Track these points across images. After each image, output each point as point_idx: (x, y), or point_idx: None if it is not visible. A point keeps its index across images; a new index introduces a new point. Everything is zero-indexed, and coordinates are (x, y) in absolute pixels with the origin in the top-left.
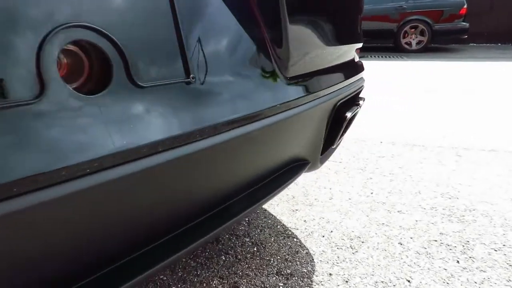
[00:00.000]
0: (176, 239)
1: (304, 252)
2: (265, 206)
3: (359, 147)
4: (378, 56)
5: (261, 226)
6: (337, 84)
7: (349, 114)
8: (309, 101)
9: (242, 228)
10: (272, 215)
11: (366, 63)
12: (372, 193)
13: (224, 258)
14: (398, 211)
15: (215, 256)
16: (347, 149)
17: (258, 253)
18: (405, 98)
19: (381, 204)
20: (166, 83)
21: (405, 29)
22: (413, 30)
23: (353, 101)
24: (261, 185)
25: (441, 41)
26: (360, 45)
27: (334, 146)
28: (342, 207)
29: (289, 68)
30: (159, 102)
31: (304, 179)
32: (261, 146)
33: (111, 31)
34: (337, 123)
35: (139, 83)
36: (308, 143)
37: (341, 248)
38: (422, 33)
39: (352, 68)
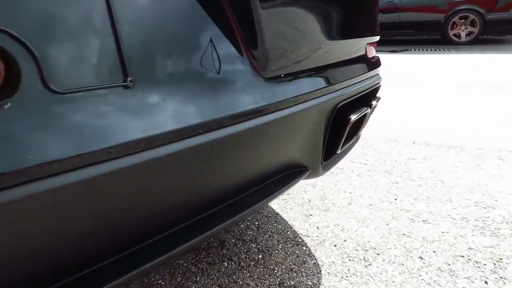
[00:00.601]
0: (161, 242)
1: (312, 262)
2: (278, 210)
3: (388, 148)
4: (423, 49)
5: (271, 231)
6: (336, 83)
7: (353, 117)
8: (297, 103)
9: (250, 233)
10: (284, 219)
11: (408, 56)
12: (396, 199)
13: (226, 265)
14: (423, 221)
15: (217, 262)
16: (374, 150)
17: (262, 261)
18: (446, 94)
19: (404, 212)
20: (93, 88)
21: (453, 19)
22: (462, 20)
23: (362, 101)
24: (250, 192)
25: (494, 32)
26: (375, 38)
27: (339, 152)
28: (361, 214)
29: (268, 68)
30: (85, 111)
31: (323, 181)
32: (239, 153)
33: (15, 29)
34: (340, 126)
35: (56, 89)
36: (304, 149)
37: (353, 260)
38: (472, 23)
39: (360, 66)
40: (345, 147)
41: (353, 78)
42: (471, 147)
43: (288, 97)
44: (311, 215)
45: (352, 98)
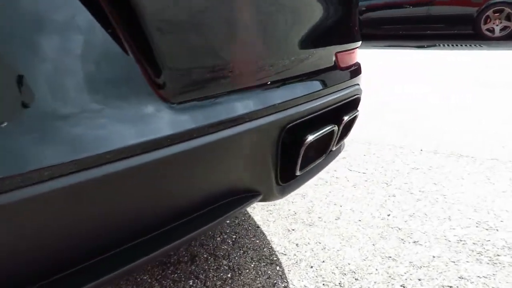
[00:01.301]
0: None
1: (282, 285)
2: (260, 222)
3: (392, 155)
4: (452, 45)
5: (247, 246)
6: (282, 102)
7: (311, 137)
8: (220, 129)
9: (225, 247)
10: (264, 234)
11: (435, 52)
12: (389, 215)
13: (191, 283)
14: (414, 242)
15: (183, 279)
16: (377, 157)
17: (230, 281)
18: (466, 93)
19: (396, 230)
20: None
21: (487, 13)
22: (497, 14)
23: (328, 118)
24: (186, 220)
25: None
26: (351, 45)
27: (300, 174)
28: (347, 231)
29: (176, 92)
30: None
31: (314, 191)
32: (154, 183)
33: None
34: (294, 148)
35: None
36: (248, 174)
37: (327, 285)
38: (508, 17)
39: (323, 78)
40: (309, 168)
41: (308, 94)
42: (483, 156)
43: (203, 124)
44: (293, 229)
45: (309, 116)
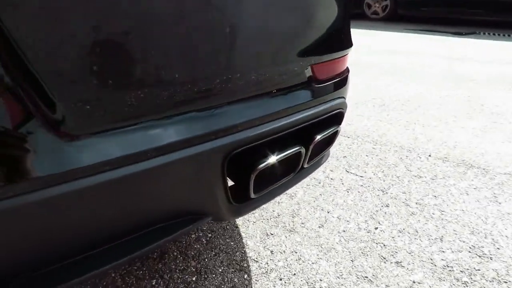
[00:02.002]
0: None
1: None
2: (239, 222)
3: (397, 159)
4: (494, 34)
5: (219, 248)
6: (224, 128)
7: (263, 164)
8: (140, 160)
9: (197, 246)
10: (240, 236)
11: (472, 41)
12: (376, 229)
13: (154, 283)
14: (397, 262)
15: (147, 277)
16: (380, 159)
17: (193, 285)
18: (495, 92)
19: (380, 246)
20: None
21: None
22: None
23: (290, 139)
24: (128, 239)
25: None
26: (340, 53)
27: (255, 197)
28: (328, 242)
29: (77, 122)
30: None
31: (305, 192)
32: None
33: None
34: (244, 174)
35: None
36: (188, 198)
37: None
38: None
39: (288, 96)
40: (270, 189)
41: (264, 116)
42: (496, 170)
43: (113, 156)
44: (272, 234)
45: (264, 139)
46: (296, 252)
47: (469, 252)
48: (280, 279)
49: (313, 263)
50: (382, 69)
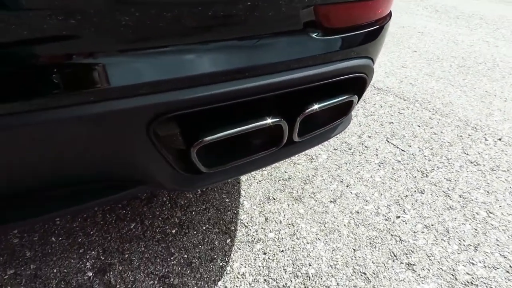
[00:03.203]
0: None
1: (219, 264)
2: (243, 178)
3: (455, 136)
4: None
5: (212, 203)
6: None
7: (208, 138)
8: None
9: (190, 196)
10: (238, 193)
11: None
12: (399, 217)
13: (132, 227)
14: (408, 264)
15: (128, 219)
16: (434, 134)
17: (170, 239)
18: None
19: (395, 240)
20: None
21: None
22: None
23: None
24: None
25: None
26: None
27: (209, 171)
28: (334, 222)
29: None
30: None
31: (328, 157)
32: None
33: None
34: (183, 148)
35: None
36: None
37: (266, 283)
38: None
39: (254, 48)
40: (233, 165)
41: (222, 72)
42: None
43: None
44: (274, 199)
45: (215, 104)
46: (293, 226)
47: (507, 272)
48: (265, 253)
49: (307, 243)
50: (477, 20)
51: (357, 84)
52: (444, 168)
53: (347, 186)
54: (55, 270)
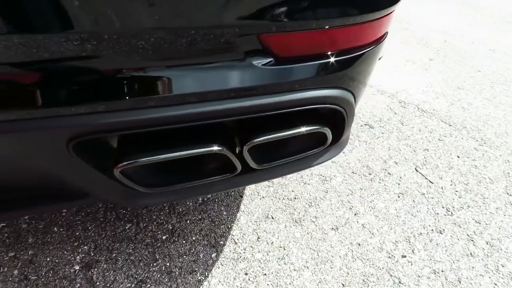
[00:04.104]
0: None
1: (197, 278)
2: (247, 192)
3: (500, 174)
4: None
5: (208, 214)
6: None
7: (129, 162)
8: None
9: (189, 204)
10: (238, 208)
11: None
12: (404, 257)
13: (127, 228)
14: None
15: (125, 219)
16: (474, 167)
17: (158, 244)
18: None
19: (392, 281)
20: None
21: None
22: None
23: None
24: None
25: None
26: (359, 17)
27: (147, 191)
28: (329, 251)
29: None
30: None
31: (342, 182)
32: None
33: None
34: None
35: None
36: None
37: None
38: None
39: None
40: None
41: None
42: None
43: None
44: (272, 218)
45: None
46: (284, 249)
47: None
48: (246, 274)
49: (294, 270)
50: None
51: (333, 117)
52: (476, 208)
53: (355, 214)
54: (48, 259)
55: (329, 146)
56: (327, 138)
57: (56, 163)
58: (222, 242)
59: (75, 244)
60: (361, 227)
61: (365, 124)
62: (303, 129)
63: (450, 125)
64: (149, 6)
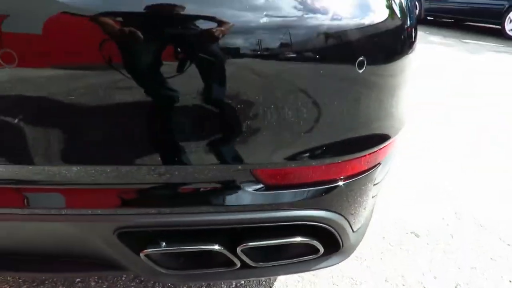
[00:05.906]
0: None
1: None
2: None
3: None
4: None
5: None
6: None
7: (151, 250)
8: None
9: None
10: None
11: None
12: None
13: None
14: None
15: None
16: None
17: None
18: None
19: None
20: None
21: None
22: None
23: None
24: None
25: None
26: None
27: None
28: None
29: None
30: None
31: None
32: None
33: None
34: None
35: None
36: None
37: None
38: None
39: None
40: (194, 272)
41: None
42: None
43: None
44: None
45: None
46: None
47: None
48: None
49: None
50: None
51: (325, 232)
52: None
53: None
54: None
55: (329, 255)
56: (318, 250)
57: (106, 244)
58: None
59: None
60: None
61: (411, 232)
62: (292, 239)
63: (509, 245)
64: None
